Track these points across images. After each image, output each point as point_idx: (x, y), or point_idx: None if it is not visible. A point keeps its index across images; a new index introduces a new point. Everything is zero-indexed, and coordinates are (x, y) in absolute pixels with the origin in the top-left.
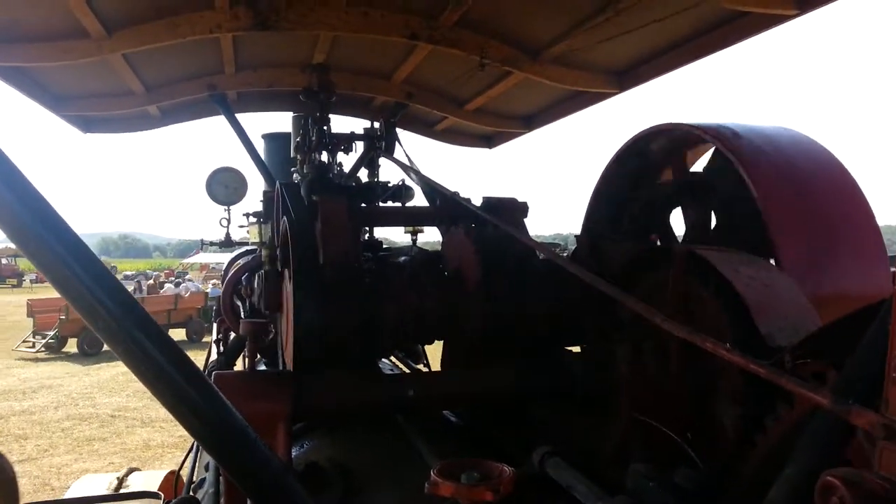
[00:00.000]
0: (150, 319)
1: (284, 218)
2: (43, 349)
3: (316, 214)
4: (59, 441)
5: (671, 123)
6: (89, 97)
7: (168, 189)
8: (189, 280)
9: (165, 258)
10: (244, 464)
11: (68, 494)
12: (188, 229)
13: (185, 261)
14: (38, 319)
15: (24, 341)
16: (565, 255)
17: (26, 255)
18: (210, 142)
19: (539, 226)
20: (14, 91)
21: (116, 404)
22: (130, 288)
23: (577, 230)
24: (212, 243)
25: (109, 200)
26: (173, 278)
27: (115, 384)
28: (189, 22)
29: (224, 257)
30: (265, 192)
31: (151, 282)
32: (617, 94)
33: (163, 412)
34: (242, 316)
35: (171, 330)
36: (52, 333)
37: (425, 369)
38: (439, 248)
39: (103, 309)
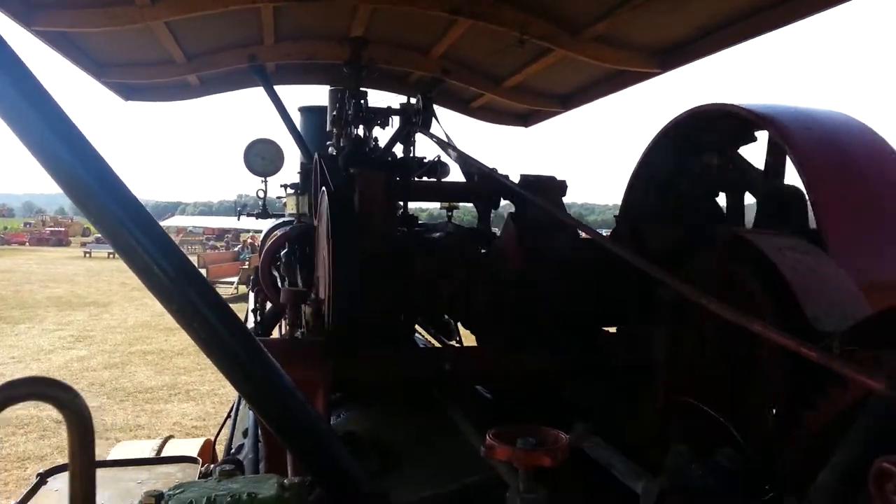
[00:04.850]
0: (203, 279)
1: (323, 189)
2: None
3: (354, 187)
4: None
5: (717, 104)
6: (131, 65)
7: (144, 149)
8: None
9: None
10: (291, 424)
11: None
12: (164, 191)
13: (162, 223)
14: (211, 270)
15: None
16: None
17: (87, 217)
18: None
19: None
20: (59, 56)
21: None
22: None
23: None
24: (248, 213)
25: None
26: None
27: (68, 373)
28: None
29: (199, 221)
30: (303, 165)
31: (250, 239)
32: (659, 74)
33: (121, 417)
34: (280, 286)
35: None
36: (235, 280)
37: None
38: (475, 224)
39: (158, 269)
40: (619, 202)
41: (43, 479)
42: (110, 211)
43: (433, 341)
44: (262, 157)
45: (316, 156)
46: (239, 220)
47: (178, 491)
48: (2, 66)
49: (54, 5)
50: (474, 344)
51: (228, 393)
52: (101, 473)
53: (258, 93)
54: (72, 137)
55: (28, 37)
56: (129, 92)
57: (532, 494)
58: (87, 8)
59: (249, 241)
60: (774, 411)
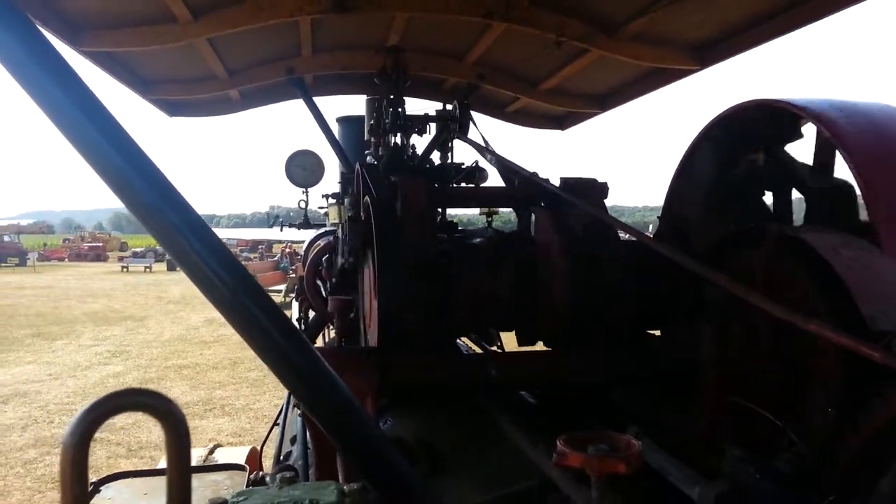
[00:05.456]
0: (261, 289)
1: (366, 199)
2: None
3: (396, 194)
4: (13, 484)
5: (763, 99)
6: (175, 81)
7: (178, 163)
8: None
9: None
10: (349, 430)
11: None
12: (205, 204)
13: None
14: (260, 279)
15: None
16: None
17: (147, 229)
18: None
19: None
20: (106, 75)
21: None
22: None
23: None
24: (290, 224)
25: None
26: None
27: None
28: (272, 5)
29: (235, 233)
30: (343, 174)
31: (288, 249)
32: (698, 70)
33: (156, 434)
34: (324, 295)
35: None
36: (283, 288)
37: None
38: (515, 228)
39: (218, 280)
40: (649, 204)
41: (96, 487)
42: (169, 223)
43: (475, 347)
44: (302, 169)
45: (357, 165)
46: (282, 230)
47: (241, 498)
48: (74, 95)
49: (100, 26)
50: (516, 349)
51: (263, 408)
52: (150, 482)
53: (285, 105)
54: (132, 154)
55: (76, 57)
56: (173, 108)
57: None
58: (132, 27)
59: (288, 250)
60: (830, 412)
